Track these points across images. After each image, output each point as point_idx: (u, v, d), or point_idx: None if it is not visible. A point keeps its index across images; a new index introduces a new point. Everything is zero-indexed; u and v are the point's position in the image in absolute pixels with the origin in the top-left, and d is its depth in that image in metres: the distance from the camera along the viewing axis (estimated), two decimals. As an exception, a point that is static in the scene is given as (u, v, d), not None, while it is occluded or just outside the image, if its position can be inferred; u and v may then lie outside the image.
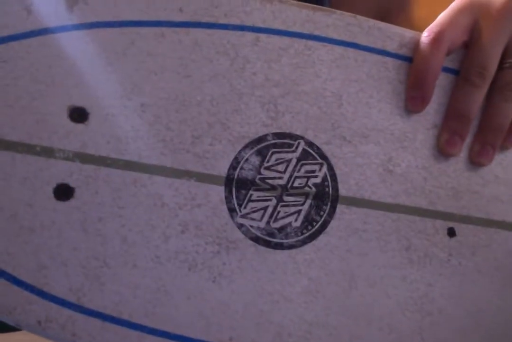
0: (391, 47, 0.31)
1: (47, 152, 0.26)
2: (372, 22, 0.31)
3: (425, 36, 0.30)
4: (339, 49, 0.30)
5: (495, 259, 0.31)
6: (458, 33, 0.30)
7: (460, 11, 0.30)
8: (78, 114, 0.26)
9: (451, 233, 0.31)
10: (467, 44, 0.30)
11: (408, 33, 0.31)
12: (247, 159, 0.28)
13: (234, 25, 0.29)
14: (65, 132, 0.26)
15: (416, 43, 0.30)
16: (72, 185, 0.26)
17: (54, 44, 0.26)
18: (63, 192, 0.25)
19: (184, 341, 0.26)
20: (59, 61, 0.26)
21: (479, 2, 0.30)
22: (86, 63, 0.26)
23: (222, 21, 0.28)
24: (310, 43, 0.29)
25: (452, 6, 0.30)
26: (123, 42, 0.27)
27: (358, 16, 0.31)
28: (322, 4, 0.55)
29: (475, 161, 0.31)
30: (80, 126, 0.26)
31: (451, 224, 0.31)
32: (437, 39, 0.29)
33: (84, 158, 0.26)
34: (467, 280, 0.30)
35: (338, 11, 0.30)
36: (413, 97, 0.30)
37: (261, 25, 0.29)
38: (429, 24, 0.29)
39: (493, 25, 0.29)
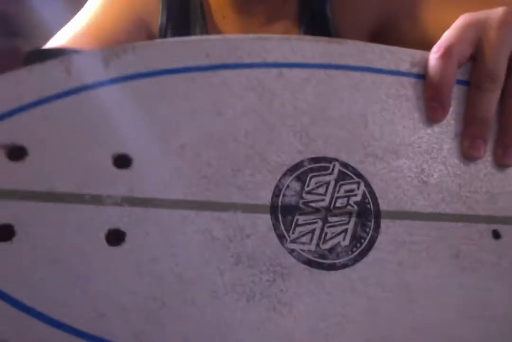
0: (404, 67, 0.32)
1: (96, 200, 0.26)
2: (383, 46, 0.33)
3: (435, 52, 0.32)
4: (356, 74, 0.32)
5: None
6: (465, 46, 0.32)
7: (464, 27, 0.32)
8: (122, 161, 0.27)
9: (496, 235, 0.31)
10: (474, 56, 0.32)
11: (418, 53, 0.33)
12: (288, 186, 0.28)
13: (258, 63, 0.30)
14: (111, 179, 0.27)
15: (427, 61, 0.32)
16: (123, 229, 0.26)
17: (93, 99, 0.27)
18: (115, 237, 0.26)
19: None
20: (100, 114, 0.27)
21: (480, 17, 0.32)
22: (125, 113, 0.28)
23: (246, 60, 0.30)
24: (329, 72, 0.31)
25: (456, 23, 0.32)
26: (158, 90, 0.28)
27: (369, 43, 0.33)
28: (323, 8, 0.58)
29: (501, 163, 0.32)
30: (125, 171, 0.27)
31: (494, 226, 0.31)
32: (446, 53, 0.31)
33: (132, 201, 0.26)
34: None
35: (350, 40, 0.32)
36: (434, 108, 0.32)
37: (282, 60, 0.31)
38: (435, 28, 0.31)
39: (496, 36, 0.31)
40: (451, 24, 0.32)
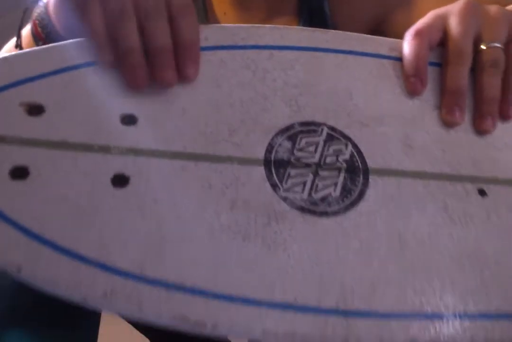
0: (384, 51, 0.37)
1: (104, 149, 0.29)
2: (363, 35, 0.37)
3: (408, 35, 0.36)
4: (340, 56, 0.36)
5: None
6: (434, 31, 0.36)
7: (432, 16, 0.36)
8: (129, 119, 0.31)
9: (482, 193, 0.32)
10: (443, 41, 0.36)
11: (395, 40, 0.37)
12: (280, 144, 0.31)
13: (251, 45, 0.35)
14: (118, 133, 0.30)
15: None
16: (127, 174, 0.28)
17: (106, 70, 0.31)
18: (120, 181, 0.28)
19: (249, 302, 0.26)
20: (110, 81, 0.31)
21: (444, 8, 0.37)
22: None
23: (241, 43, 0.35)
24: (315, 54, 0.35)
25: (427, 15, 0.37)
26: None
27: (350, 32, 0.37)
28: (322, 5, 0.62)
29: (480, 130, 0.35)
30: (131, 128, 0.30)
31: (479, 186, 0.33)
32: (417, 35, 0.36)
33: (136, 152, 0.29)
34: None
35: (333, 30, 0.37)
36: (413, 83, 0.35)
37: (272, 44, 0.35)
38: None
39: (459, 21, 0.35)
40: None
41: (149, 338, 0.72)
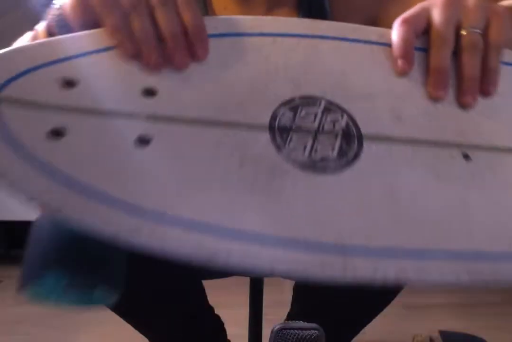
0: (374, 38, 0.41)
1: (128, 115, 0.33)
2: (357, 25, 0.42)
3: (396, 23, 0.41)
4: (335, 42, 0.40)
5: None
6: (419, 19, 0.40)
7: (417, 8, 0.41)
8: (149, 92, 0.35)
9: (466, 157, 0.36)
10: (428, 29, 0.41)
11: (384, 29, 0.42)
12: (282, 113, 0.35)
13: (256, 33, 0.40)
14: (140, 103, 0.34)
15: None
16: (148, 137, 0.32)
17: None
18: (142, 141, 0.32)
19: (255, 239, 0.29)
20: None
21: (428, 1, 0.41)
22: None
23: (247, 31, 0.40)
24: (313, 40, 0.40)
25: (412, 8, 0.41)
26: None
27: (343, 23, 0.42)
28: (322, 3, 0.67)
29: (462, 104, 0.39)
30: (151, 99, 0.34)
31: (464, 151, 0.36)
32: (404, 22, 0.40)
33: (156, 118, 0.33)
34: (497, 192, 0.35)
35: (328, 21, 0.42)
36: (401, 63, 0.40)
37: (275, 31, 0.40)
38: None
39: (442, 11, 0.40)
40: None
41: (149, 338, 0.74)
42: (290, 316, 0.73)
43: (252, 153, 0.33)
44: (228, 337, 0.79)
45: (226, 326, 0.78)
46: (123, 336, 1.21)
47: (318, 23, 0.41)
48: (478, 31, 0.39)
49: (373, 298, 0.70)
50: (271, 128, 0.34)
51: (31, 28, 0.54)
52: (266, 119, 0.34)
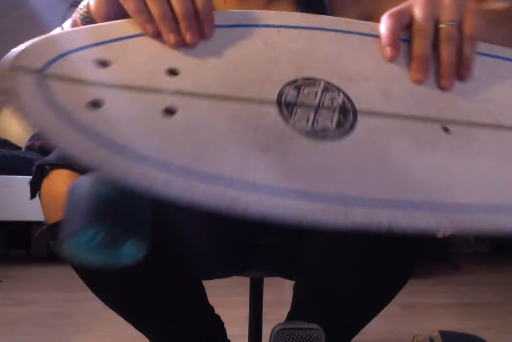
0: (365, 30, 0.47)
1: (156, 90, 0.38)
2: (349, 19, 0.47)
3: (384, 17, 0.46)
4: (331, 33, 0.46)
5: (488, 143, 0.42)
6: (403, 15, 0.46)
7: (401, 5, 0.46)
8: (172, 72, 0.40)
9: (446, 130, 0.42)
10: (411, 25, 0.46)
11: (375, 23, 0.47)
12: (288, 91, 0.41)
13: (262, 24, 0.45)
14: (166, 81, 0.39)
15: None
16: (174, 108, 0.37)
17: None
18: (168, 112, 0.37)
19: (269, 190, 0.33)
20: (159, 42, 0.42)
21: (411, 0, 0.47)
22: None
23: (254, 23, 0.45)
24: (312, 31, 0.46)
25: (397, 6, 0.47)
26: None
27: (338, 17, 0.47)
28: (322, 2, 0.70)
29: (442, 87, 0.45)
30: (175, 77, 0.39)
31: (444, 125, 0.42)
32: (391, 15, 0.46)
33: (181, 93, 0.38)
34: (473, 157, 0.40)
35: (324, 15, 0.48)
36: (389, 50, 0.45)
37: (279, 23, 0.45)
38: None
39: (422, 8, 0.45)
40: None
41: (149, 338, 0.74)
42: (290, 316, 0.73)
43: (263, 123, 0.38)
44: (228, 337, 0.79)
45: (226, 326, 0.79)
46: (123, 336, 1.22)
47: (316, 17, 0.47)
48: (454, 24, 0.45)
49: (373, 298, 0.70)
50: (279, 103, 0.40)
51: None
52: (274, 96, 0.40)
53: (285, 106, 0.39)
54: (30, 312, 1.49)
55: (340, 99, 0.41)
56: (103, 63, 0.39)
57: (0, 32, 2.69)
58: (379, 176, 0.37)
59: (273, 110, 0.39)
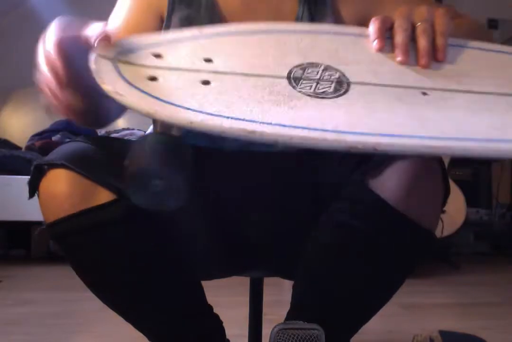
0: (357, 32, 0.59)
1: (196, 71, 0.52)
2: (346, 25, 0.63)
3: (372, 20, 0.58)
4: (331, 35, 0.59)
5: (459, 101, 0.52)
6: (386, 18, 0.58)
7: (383, 16, 0.59)
8: (208, 60, 0.54)
9: (425, 94, 0.52)
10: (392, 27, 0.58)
11: (364, 28, 0.59)
12: (295, 71, 0.53)
13: (275, 30, 0.60)
14: (203, 65, 0.53)
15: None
16: (209, 80, 0.51)
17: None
18: (205, 83, 0.51)
19: (278, 125, 0.46)
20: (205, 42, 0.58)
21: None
22: None
23: (269, 29, 0.59)
24: (313, 34, 0.59)
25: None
26: (232, 41, 0.58)
27: (334, 24, 0.65)
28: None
29: (421, 65, 0.56)
30: (210, 63, 0.54)
31: (422, 90, 0.52)
32: (377, 18, 0.58)
33: (215, 72, 0.52)
34: (446, 109, 0.50)
35: (325, 24, 0.67)
36: (376, 43, 0.57)
37: (286, 29, 0.61)
38: None
39: (402, 12, 0.58)
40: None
41: (148, 337, 0.74)
42: (290, 316, 0.73)
43: (277, 89, 0.51)
44: (228, 337, 0.79)
45: (226, 326, 0.79)
46: (123, 336, 1.22)
47: (316, 25, 0.64)
48: (427, 22, 0.56)
49: (372, 297, 0.71)
50: (288, 78, 0.52)
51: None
52: (284, 73, 0.53)
53: (293, 79, 0.52)
54: (30, 312, 1.49)
55: (336, 75, 0.53)
56: (157, 56, 0.53)
57: (0, 32, 2.70)
58: (367, 118, 0.48)
59: (284, 82, 0.52)
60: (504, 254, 2.78)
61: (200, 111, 0.46)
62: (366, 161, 0.65)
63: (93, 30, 0.52)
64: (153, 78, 0.50)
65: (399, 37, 0.55)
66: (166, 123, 0.51)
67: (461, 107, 0.50)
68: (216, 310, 0.78)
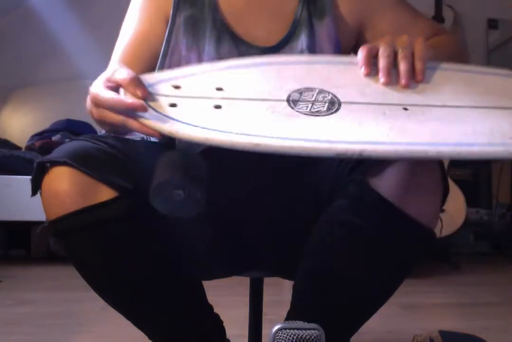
0: (346, 61, 0.70)
1: (208, 97, 0.61)
2: (336, 55, 0.74)
3: (360, 48, 0.67)
4: (324, 64, 0.69)
5: (437, 114, 0.60)
6: (372, 47, 0.67)
7: (369, 44, 0.67)
8: (219, 89, 0.62)
9: (406, 109, 0.60)
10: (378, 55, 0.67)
11: (354, 57, 0.68)
12: (293, 95, 0.61)
13: (275, 62, 0.70)
14: (218, 94, 0.61)
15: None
16: (221, 105, 0.59)
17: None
18: (217, 107, 0.59)
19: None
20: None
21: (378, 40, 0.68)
22: None
23: (271, 62, 0.70)
24: (310, 63, 0.70)
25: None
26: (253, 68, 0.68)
27: (329, 55, 0.76)
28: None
29: (401, 85, 0.64)
30: (221, 91, 0.62)
31: (404, 106, 0.60)
32: (363, 47, 0.67)
33: (225, 98, 0.60)
34: (425, 123, 0.58)
35: (318, 55, 0.76)
36: (364, 69, 0.66)
37: (284, 61, 0.70)
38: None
39: (385, 41, 0.66)
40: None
41: (149, 336, 0.75)
42: (290, 316, 0.73)
43: (278, 110, 0.59)
44: (228, 337, 0.79)
45: (226, 326, 0.79)
46: (123, 336, 1.22)
47: (310, 56, 0.74)
48: (408, 50, 0.65)
49: (372, 296, 0.71)
50: (287, 100, 0.61)
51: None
52: (284, 97, 0.61)
53: (292, 102, 0.60)
54: (30, 312, 1.49)
55: (329, 96, 0.61)
56: (177, 87, 0.62)
57: (0, 32, 2.70)
58: (355, 130, 0.56)
59: (284, 104, 0.60)
60: (504, 254, 2.78)
61: (214, 130, 0.54)
62: (366, 161, 0.66)
63: (120, 75, 0.60)
64: (173, 105, 0.58)
65: (383, 62, 0.64)
66: (185, 140, 0.55)
67: (437, 119, 0.57)
68: (216, 310, 0.78)
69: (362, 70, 0.65)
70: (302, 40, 0.80)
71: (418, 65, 0.64)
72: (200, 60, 0.78)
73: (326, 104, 0.59)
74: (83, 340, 1.27)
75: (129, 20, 0.84)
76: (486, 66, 0.72)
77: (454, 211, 2.21)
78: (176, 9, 0.81)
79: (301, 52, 0.79)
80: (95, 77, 0.63)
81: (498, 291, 1.89)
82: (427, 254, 0.77)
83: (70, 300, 1.62)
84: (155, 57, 0.80)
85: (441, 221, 2.08)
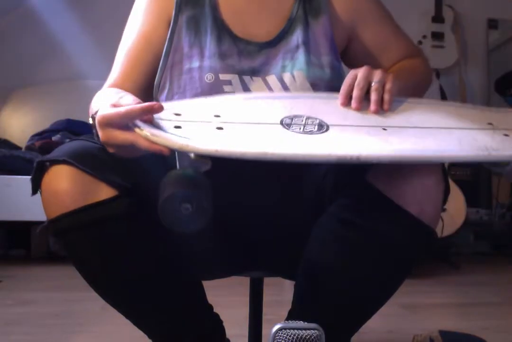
0: (327, 96, 0.79)
1: (207, 121, 0.66)
2: (320, 93, 0.81)
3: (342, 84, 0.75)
4: (306, 99, 0.78)
5: (411, 132, 0.70)
6: (351, 82, 0.74)
7: (351, 73, 0.75)
8: (216, 116, 0.68)
9: (384, 129, 0.70)
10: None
11: (336, 94, 0.76)
12: (286, 120, 0.69)
13: (271, 97, 0.79)
14: (214, 119, 0.67)
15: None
16: (222, 127, 0.65)
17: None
18: (219, 129, 0.64)
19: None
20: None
21: (358, 70, 0.75)
22: None
23: (264, 96, 0.78)
24: (296, 99, 0.77)
25: (349, 73, 0.76)
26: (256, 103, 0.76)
27: (319, 92, 0.82)
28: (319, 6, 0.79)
29: (372, 111, 0.73)
30: (219, 117, 0.68)
31: (383, 127, 0.70)
32: (344, 83, 0.75)
33: (225, 122, 0.66)
34: (403, 138, 0.68)
35: (312, 92, 0.84)
36: (341, 100, 0.75)
37: (276, 96, 0.79)
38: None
39: (362, 74, 0.74)
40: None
41: (149, 336, 0.75)
42: (291, 314, 0.74)
43: (273, 131, 0.66)
44: (228, 337, 0.80)
45: (226, 326, 0.79)
46: (123, 336, 1.22)
47: (294, 93, 0.82)
48: (379, 83, 0.73)
49: (372, 296, 0.71)
50: (281, 123, 0.68)
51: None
52: (277, 121, 0.68)
53: (285, 124, 0.68)
54: (30, 312, 1.49)
55: (317, 121, 0.70)
56: (177, 114, 0.67)
57: (0, 32, 2.70)
58: (349, 142, 0.65)
59: (278, 126, 0.68)
60: (504, 254, 2.78)
61: (217, 150, 0.59)
62: None
63: (126, 101, 0.63)
64: (178, 127, 0.63)
65: (356, 93, 0.74)
66: (197, 153, 0.59)
67: (413, 136, 0.69)
68: (216, 310, 0.78)
69: (341, 102, 0.75)
70: (298, 35, 0.82)
71: (386, 96, 0.73)
72: (202, 56, 0.79)
73: (316, 126, 0.67)
74: (83, 340, 1.27)
75: (132, 22, 0.85)
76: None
77: (454, 211, 2.21)
78: (178, 10, 0.82)
79: (297, 46, 0.81)
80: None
81: (498, 291, 1.89)
82: (427, 253, 0.77)
83: (70, 300, 1.62)
84: (157, 59, 0.81)
85: (442, 220, 2.08)
